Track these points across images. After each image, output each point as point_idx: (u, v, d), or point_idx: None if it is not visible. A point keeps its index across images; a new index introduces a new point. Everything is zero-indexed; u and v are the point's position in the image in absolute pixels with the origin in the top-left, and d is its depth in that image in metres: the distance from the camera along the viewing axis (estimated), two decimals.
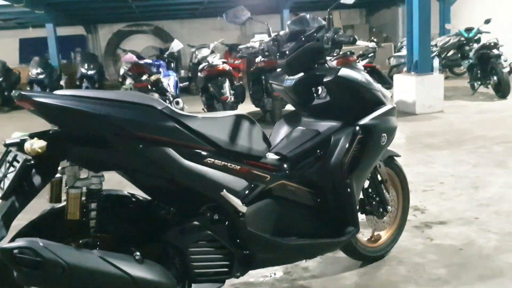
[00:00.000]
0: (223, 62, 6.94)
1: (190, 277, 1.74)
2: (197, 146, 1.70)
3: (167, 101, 6.10)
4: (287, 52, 2.16)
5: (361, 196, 2.34)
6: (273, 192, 1.94)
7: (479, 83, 8.20)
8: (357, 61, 7.64)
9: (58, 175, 1.59)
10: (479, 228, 2.85)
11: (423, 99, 6.95)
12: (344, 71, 2.08)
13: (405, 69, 8.04)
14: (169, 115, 1.64)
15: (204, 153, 1.72)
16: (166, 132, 1.62)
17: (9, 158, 1.55)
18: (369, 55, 8.44)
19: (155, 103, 1.63)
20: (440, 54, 9.02)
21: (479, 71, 8.11)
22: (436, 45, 9.00)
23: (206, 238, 1.75)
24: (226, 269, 1.81)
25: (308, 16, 2.25)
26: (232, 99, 6.69)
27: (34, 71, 10.91)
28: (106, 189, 1.71)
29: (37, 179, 1.50)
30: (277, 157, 2.08)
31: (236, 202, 1.75)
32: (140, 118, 1.58)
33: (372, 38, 8.50)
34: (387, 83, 2.01)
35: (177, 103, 6.04)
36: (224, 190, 1.73)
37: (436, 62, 7.17)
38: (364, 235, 2.53)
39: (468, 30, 8.85)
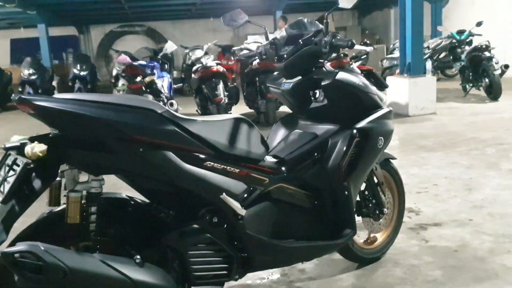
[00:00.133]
0: (217, 64, 6.95)
1: (189, 280, 1.75)
2: (196, 149, 1.71)
3: (161, 103, 6.09)
4: (285, 55, 2.17)
5: (357, 198, 2.36)
6: (272, 195, 1.95)
7: (471, 85, 8.28)
8: (350, 63, 7.70)
9: (57, 178, 1.59)
10: (474, 230, 2.87)
11: (416, 101, 7.01)
12: (341, 75, 2.10)
13: (397, 71, 8.10)
14: (169, 118, 1.64)
15: (203, 156, 1.72)
16: (166, 136, 1.62)
17: (9, 161, 1.55)
18: (362, 57, 8.50)
19: (155, 106, 1.64)
20: (432, 56, 9.09)
21: (471, 73, 8.19)
22: (428, 47, 9.07)
23: (206, 241, 1.76)
24: (225, 272, 1.81)
25: (305, 20, 2.27)
26: (226, 100, 6.71)
27: (26, 71, 10.85)
28: (105, 192, 1.71)
29: (37, 183, 1.50)
30: (275, 160, 2.09)
31: (236, 205, 1.76)
32: (140, 122, 1.58)
33: (365, 40, 8.55)
34: (384, 86, 2.02)
35: (171, 104, 6.03)
36: (224, 193, 1.73)
37: (428, 64, 7.23)
38: (360, 237, 2.54)
39: (460, 32, 8.93)
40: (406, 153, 4.82)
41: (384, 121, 2.23)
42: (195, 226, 1.75)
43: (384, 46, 14.15)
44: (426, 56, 8.29)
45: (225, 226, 1.81)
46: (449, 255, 2.58)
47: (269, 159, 2.07)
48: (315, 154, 2.12)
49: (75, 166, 1.58)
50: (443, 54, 9.55)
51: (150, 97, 5.88)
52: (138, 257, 1.58)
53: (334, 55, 2.31)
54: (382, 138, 2.20)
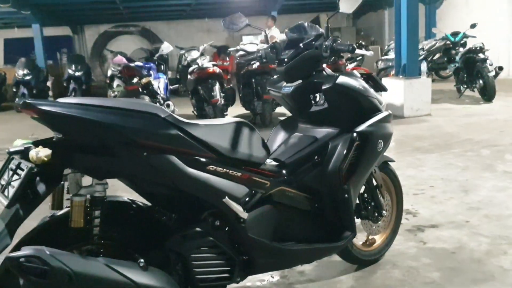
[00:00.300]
0: (213, 65, 6.96)
1: (192, 283, 1.75)
2: (199, 153, 1.72)
3: (158, 104, 6.10)
4: (285, 59, 2.19)
5: (356, 201, 2.38)
6: (273, 198, 1.97)
7: (465, 86, 8.34)
8: (346, 64, 7.73)
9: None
10: (470, 231, 2.90)
11: (411, 102, 7.05)
12: (342, 79, 2.12)
13: (392, 72, 8.15)
14: (172, 123, 1.65)
15: (206, 160, 1.73)
16: (169, 140, 1.63)
17: (12, 165, 1.55)
18: (357, 58, 8.53)
19: (158, 111, 1.65)
20: (426, 58, 9.14)
21: (465, 75, 8.25)
22: (422, 49, 9.12)
23: (208, 244, 1.77)
24: (227, 275, 1.83)
25: (306, 24, 2.29)
26: (222, 101, 6.72)
27: (21, 72, 10.80)
28: (107, 196, 1.72)
29: (41, 187, 1.50)
30: (276, 163, 2.10)
31: (238, 208, 1.77)
32: (144, 126, 1.59)
33: (360, 41, 8.59)
34: (383, 90, 2.03)
35: (168, 106, 6.03)
36: (226, 197, 1.75)
37: (424, 66, 7.28)
38: (359, 239, 2.56)
39: (455, 34, 8.99)
40: (402, 155, 4.85)
41: (383, 125, 2.25)
42: (198, 229, 1.76)
43: (379, 47, 14.22)
44: (421, 57, 8.34)
45: (226, 229, 1.82)
46: (447, 257, 2.60)
47: (270, 162, 2.08)
48: (315, 157, 2.14)
49: (79, 170, 1.58)
50: (437, 56, 9.61)
51: (147, 98, 5.89)
52: (142, 260, 1.58)
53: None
54: (381, 141, 2.22)
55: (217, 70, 6.80)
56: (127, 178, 1.70)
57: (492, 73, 7.71)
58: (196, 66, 7.00)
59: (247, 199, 1.85)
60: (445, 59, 9.09)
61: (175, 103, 6.86)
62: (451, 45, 8.90)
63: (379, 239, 2.59)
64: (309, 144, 2.18)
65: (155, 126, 1.61)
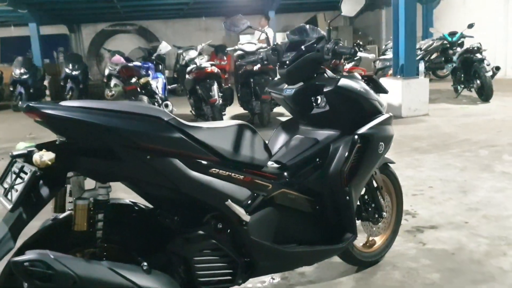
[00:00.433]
0: (211, 65, 6.96)
1: (194, 285, 1.76)
2: (202, 156, 1.72)
3: (156, 104, 6.10)
4: (287, 62, 2.19)
5: (357, 202, 2.38)
6: (275, 201, 1.97)
7: (463, 86, 8.37)
8: (344, 63, 7.74)
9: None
10: (470, 232, 2.92)
11: (409, 102, 7.07)
12: (343, 81, 2.13)
13: (390, 72, 8.17)
14: (175, 126, 1.65)
15: (209, 163, 1.74)
16: (173, 143, 1.63)
17: (15, 168, 1.55)
18: (355, 58, 8.52)
19: (161, 114, 1.65)
20: (423, 57, 9.17)
21: (462, 75, 8.28)
22: (420, 49, 9.14)
23: (211, 247, 1.77)
24: (230, 277, 1.83)
25: (307, 26, 2.29)
26: (221, 101, 6.72)
27: (18, 71, 10.78)
28: (110, 198, 1.72)
29: (45, 191, 1.50)
30: (277, 165, 2.11)
31: (240, 211, 1.78)
32: (147, 130, 1.59)
33: (358, 41, 8.60)
34: (384, 92, 2.04)
35: (166, 105, 6.03)
36: (229, 200, 1.75)
37: (421, 66, 7.30)
38: (359, 240, 2.56)
39: (452, 34, 9.01)
40: (400, 155, 4.86)
41: (384, 127, 2.26)
42: (200, 232, 1.76)
43: (376, 46, 14.24)
44: (419, 57, 8.37)
45: (229, 231, 1.83)
46: (446, 258, 2.61)
47: (272, 164, 2.09)
48: (317, 159, 2.15)
49: (82, 174, 1.59)
50: (434, 55, 9.63)
51: (145, 98, 5.88)
52: (145, 264, 1.59)
53: None
54: (382, 143, 2.23)
55: (215, 69, 6.80)
56: (130, 181, 1.70)
57: (490, 73, 7.73)
58: (194, 65, 7.00)
59: (249, 201, 1.86)
60: (443, 59, 9.12)
61: (173, 102, 6.86)
62: (448, 45, 8.93)
63: (379, 240, 2.60)
64: (310, 146, 2.18)
65: (158, 129, 1.61)
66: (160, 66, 7.07)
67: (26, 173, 1.49)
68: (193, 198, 1.73)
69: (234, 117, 7.91)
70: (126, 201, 1.83)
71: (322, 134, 2.22)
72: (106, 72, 11.78)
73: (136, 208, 1.82)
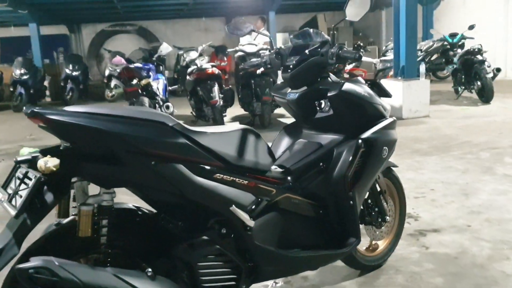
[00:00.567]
0: (212, 66, 6.95)
1: None
2: (207, 162, 1.71)
3: (157, 105, 6.09)
4: (290, 66, 2.19)
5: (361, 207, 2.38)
6: (278, 205, 1.96)
7: (463, 87, 8.37)
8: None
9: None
10: (472, 236, 2.91)
11: (410, 104, 7.08)
12: (347, 86, 2.12)
13: (391, 73, 8.17)
14: (180, 131, 1.65)
15: (213, 168, 1.73)
16: (177, 149, 1.63)
17: (19, 174, 1.54)
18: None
19: (166, 119, 1.64)
20: (424, 59, 9.17)
21: (463, 76, 8.28)
22: (420, 50, 9.14)
23: (215, 252, 1.77)
24: (234, 283, 1.82)
25: (311, 30, 2.28)
26: (221, 102, 6.71)
27: (18, 71, 10.78)
28: (114, 203, 1.71)
29: (49, 196, 1.50)
30: (281, 170, 2.10)
31: (244, 216, 1.77)
32: (152, 135, 1.58)
33: (359, 42, 8.59)
34: (387, 96, 2.04)
35: (167, 107, 6.03)
36: (233, 205, 1.74)
37: (422, 68, 7.31)
38: (362, 244, 2.56)
39: (453, 35, 9.02)
40: (401, 157, 4.86)
41: (388, 131, 2.26)
42: (204, 237, 1.76)
43: (376, 47, 14.24)
44: (419, 58, 8.37)
45: (232, 236, 1.82)
46: (449, 262, 2.61)
47: (275, 169, 2.08)
48: (321, 164, 2.14)
49: (87, 179, 1.58)
50: (434, 56, 9.63)
51: (146, 99, 5.88)
52: (150, 270, 1.58)
53: None
54: (386, 148, 2.22)
55: (216, 71, 6.80)
56: (135, 187, 1.70)
57: (490, 75, 7.74)
58: (195, 67, 7.00)
59: (253, 207, 1.85)
60: (443, 60, 9.12)
61: (174, 103, 6.85)
62: (449, 46, 8.93)
63: (382, 244, 2.59)
64: (314, 150, 2.18)
65: (163, 134, 1.61)
66: (160, 67, 7.05)
67: (30, 179, 1.48)
68: (197, 203, 1.72)
69: (235, 118, 7.90)
70: (130, 205, 1.82)
71: (326, 138, 2.21)
72: (106, 72, 11.77)
73: (140, 212, 1.81)
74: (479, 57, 7.91)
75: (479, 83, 7.87)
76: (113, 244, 1.65)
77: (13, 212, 1.45)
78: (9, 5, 10.10)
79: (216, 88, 6.63)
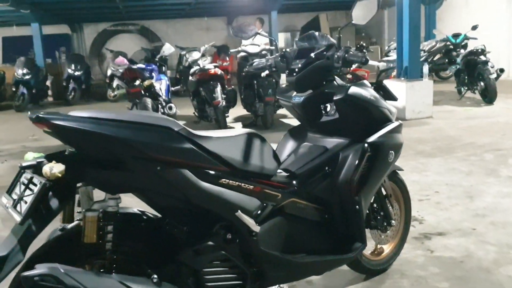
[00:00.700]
0: (215, 66, 6.94)
1: None
2: (212, 167, 1.70)
3: (160, 106, 6.08)
4: (296, 69, 2.17)
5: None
6: (284, 210, 1.95)
7: (466, 88, 8.34)
8: None
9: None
10: (477, 239, 2.89)
11: (413, 105, 7.05)
12: (353, 89, 2.11)
13: (393, 73, 8.14)
14: (185, 136, 1.63)
15: (219, 173, 1.72)
16: (183, 154, 1.61)
17: (24, 179, 1.54)
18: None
19: (171, 124, 1.63)
20: (427, 59, 9.14)
21: (466, 77, 8.25)
22: (423, 50, 9.11)
23: (220, 258, 1.75)
24: None
25: (317, 33, 2.27)
26: (224, 103, 6.70)
27: (20, 71, 10.77)
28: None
29: (54, 202, 1.49)
30: (286, 174, 2.09)
31: (250, 222, 1.76)
32: (158, 140, 1.57)
33: (361, 42, 8.54)
34: (393, 99, 2.03)
35: (170, 108, 6.02)
36: (239, 210, 1.73)
37: (425, 68, 7.27)
38: (367, 248, 2.54)
39: (456, 36, 8.98)
40: (405, 159, 4.83)
41: (394, 135, 2.25)
42: (210, 243, 1.74)
43: (379, 47, 14.21)
44: (422, 59, 8.34)
45: (238, 242, 1.81)
46: (455, 266, 2.59)
47: (280, 173, 2.07)
48: (326, 168, 2.12)
49: (92, 185, 1.57)
50: (437, 56, 9.60)
51: (149, 100, 5.87)
52: (155, 276, 1.57)
53: None
54: (392, 152, 2.21)
55: (219, 71, 6.79)
56: (140, 192, 1.68)
57: (494, 76, 7.71)
58: (198, 67, 6.98)
59: (259, 212, 1.84)
60: (446, 60, 9.09)
61: (176, 104, 6.83)
62: (452, 47, 8.90)
63: (387, 248, 2.58)
64: (319, 154, 2.16)
65: (168, 140, 1.59)
66: (163, 67, 7.04)
67: (35, 185, 1.47)
68: (202, 208, 1.71)
69: (237, 119, 7.89)
70: (135, 210, 1.81)
71: (331, 142, 2.20)
72: (109, 72, 11.79)
73: (145, 217, 1.80)
74: (482, 57, 7.89)
75: (482, 83, 7.84)
76: (118, 249, 1.64)
77: (18, 219, 1.44)
78: (11, 5, 10.09)
79: (218, 88, 6.62)
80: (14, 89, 10.81)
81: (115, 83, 9.80)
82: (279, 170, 2.07)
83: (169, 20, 16.59)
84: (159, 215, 1.84)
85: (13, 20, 14.03)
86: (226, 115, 6.89)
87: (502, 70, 7.87)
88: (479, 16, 11.18)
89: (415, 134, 6.04)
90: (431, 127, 6.50)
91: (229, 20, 16.75)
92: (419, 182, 4.06)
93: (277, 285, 2.42)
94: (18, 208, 1.48)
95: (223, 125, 6.82)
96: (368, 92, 2.17)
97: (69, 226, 1.65)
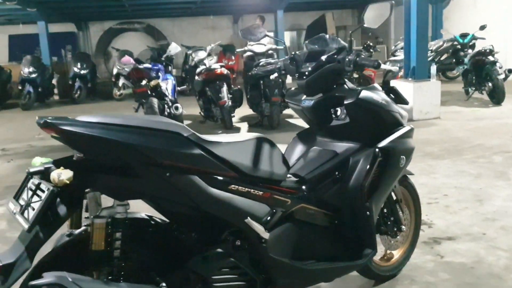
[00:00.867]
0: (221, 66, 6.91)
1: None
2: (222, 172, 1.67)
3: (166, 106, 6.06)
4: (306, 72, 2.14)
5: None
6: (293, 216, 1.92)
7: (474, 89, 8.28)
8: None
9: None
10: (488, 244, 2.85)
11: (421, 105, 7.00)
12: (364, 93, 2.07)
13: (400, 73, 8.09)
14: (195, 142, 1.61)
15: (228, 179, 1.69)
16: (192, 160, 1.59)
17: (31, 185, 1.52)
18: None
19: (181, 129, 1.60)
20: (434, 59, 9.08)
21: (474, 77, 8.18)
22: (430, 50, 9.05)
23: (229, 265, 1.73)
24: None
25: (327, 36, 2.24)
26: (230, 103, 6.68)
27: (26, 70, 10.79)
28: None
29: (62, 209, 1.47)
30: (295, 179, 2.06)
31: (259, 228, 1.73)
32: (167, 146, 1.54)
33: (369, 42, 8.50)
34: (404, 103, 2.00)
35: (176, 108, 6.00)
36: (248, 217, 1.70)
37: (433, 69, 7.21)
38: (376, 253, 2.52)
39: (463, 36, 8.93)
40: (413, 161, 4.70)
41: (405, 140, 2.22)
42: (219, 250, 1.72)
43: (385, 46, 14.14)
44: (429, 59, 8.29)
45: (247, 249, 1.78)
46: (465, 272, 2.56)
47: (290, 178, 2.04)
48: (336, 173, 2.09)
49: (100, 191, 1.54)
50: (444, 56, 9.54)
51: (155, 100, 5.85)
52: (164, 284, 1.55)
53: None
54: (404, 157, 2.18)
55: (225, 71, 6.76)
56: (149, 199, 1.66)
57: (502, 76, 7.65)
58: (204, 67, 6.96)
59: (268, 218, 1.81)
60: (453, 60, 9.03)
61: (182, 103, 6.81)
62: (459, 47, 8.84)
63: (397, 253, 2.54)
64: (329, 159, 2.13)
65: (178, 145, 1.57)
66: (169, 67, 7.02)
67: (43, 191, 1.45)
68: (211, 215, 1.68)
69: (243, 119, 7.86)
70: (142, 215, 1.78)
71: (341, 146, 2.16)
72: (115, 71, 11.78)
73: (153, 222, 1.78)
74: (490, 58, 7.81)
75: (490, 84, 7.77)
76: (126, 256, 1.62)
77: (25, 225, 1.42)
78: (18, 3, 10.12)
79: (224, 88, 6.60)
80: (20, 88, 10.82)
81: (121, 82, 9.77)
82: (288, 175, 2.04)
83: (175, 19, 16.58)
84: (167, 220, 1.82)
85: (20, 19, 14.09)
86: (232, 115, 6.87)
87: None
88: (486, 16, 11.10)
89: (423, 135, 5.99)
90: (438, 128, 6.44)
91: (235, 19, 16.73)
92: (428, 185, 4.02)
93: None
94: (25, 214, 1.46)
95: (229, 125, 6.79)
96: (379, 96, 2.14)
97: (77, 231, 1.63)
